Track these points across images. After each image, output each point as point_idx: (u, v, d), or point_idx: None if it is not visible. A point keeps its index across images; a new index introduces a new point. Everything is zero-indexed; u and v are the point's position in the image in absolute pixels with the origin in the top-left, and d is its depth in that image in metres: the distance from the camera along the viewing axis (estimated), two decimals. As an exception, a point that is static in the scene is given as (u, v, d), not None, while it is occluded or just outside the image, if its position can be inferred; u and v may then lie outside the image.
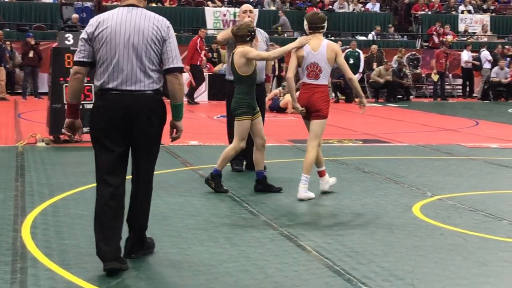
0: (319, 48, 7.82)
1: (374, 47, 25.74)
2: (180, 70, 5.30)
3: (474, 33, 29.15)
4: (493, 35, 29.28)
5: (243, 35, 7.95)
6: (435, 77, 25.63)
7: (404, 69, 25.32)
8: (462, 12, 29.98)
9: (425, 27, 29.25)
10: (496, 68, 25.45)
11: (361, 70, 24.30)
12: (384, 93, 24.97)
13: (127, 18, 5.20)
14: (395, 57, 25.73)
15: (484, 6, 30.93)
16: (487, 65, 26.03)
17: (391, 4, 32.04)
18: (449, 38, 28.21)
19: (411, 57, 27.10)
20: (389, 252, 5.88)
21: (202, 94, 22.80)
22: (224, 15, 26.80)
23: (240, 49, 8.01)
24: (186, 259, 5.57)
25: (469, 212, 7.42)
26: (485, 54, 26.25)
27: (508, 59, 26.02)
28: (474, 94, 26.67)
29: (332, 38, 26.23)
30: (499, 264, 5.60)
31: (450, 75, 26.66)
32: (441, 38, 28.06)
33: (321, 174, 8.28)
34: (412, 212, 7.38)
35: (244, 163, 9.67)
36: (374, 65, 25.00)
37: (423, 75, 26.92)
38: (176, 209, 7.32)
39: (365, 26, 28.77)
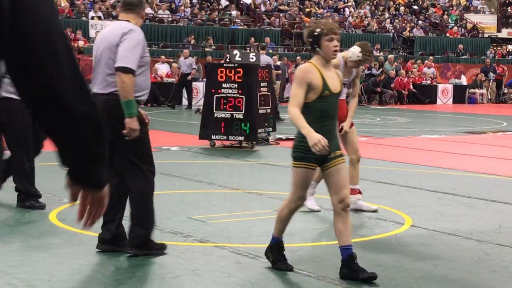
0: None
1: None
2: (122, 69, 5.64)
3: (105, 39, 29.62)
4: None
5: None
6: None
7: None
8: (93, 18, 30.30)
9: (56, 32, 28.96)
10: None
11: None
12: None
13: (105, 30, 6.00)
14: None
15: (114, 13, 31.58)
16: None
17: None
18: (81, 43, 28.38)
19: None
20: (26, 262, 5.72)
21: None
22: None
23: None
24: None
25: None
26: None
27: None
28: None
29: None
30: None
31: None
32: (73, 44, 28.07)
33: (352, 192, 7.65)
34: (49, 220, 7.27)
35: None
36: None
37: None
38: None
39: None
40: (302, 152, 5.38)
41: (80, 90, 2.02)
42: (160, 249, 6.00)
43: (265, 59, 20.31)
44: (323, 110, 5.39)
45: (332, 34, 5.38)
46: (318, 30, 5.39)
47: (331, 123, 5.48)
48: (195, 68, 26.71)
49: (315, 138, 5.21)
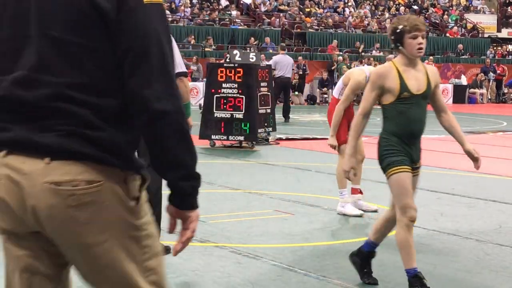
0: None
1: None
2: (184, 74, 5.95)
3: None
4: None
5: None
6: None
7: None
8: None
9: None
10: None
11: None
12: None
13: None
14: None
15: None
16: None
17: None
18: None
19: None
20: None
21: None
22: None
23: None
24: None
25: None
26: None
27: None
28: None
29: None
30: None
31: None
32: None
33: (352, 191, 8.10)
34: None
35: None
36: None
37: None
38: None
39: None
40: (391, 155, 5.06)
41: (166, 92, 2.23)
42: (164, 251, 6.01)
43: (287, 60, 20.44)
44: (403, 112, 5.03)
45: (416, 31, 4.90)
46: (400, 27, 4.94)
47: (415, 128, 5.13)
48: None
49: (349, 166, 5.12)
